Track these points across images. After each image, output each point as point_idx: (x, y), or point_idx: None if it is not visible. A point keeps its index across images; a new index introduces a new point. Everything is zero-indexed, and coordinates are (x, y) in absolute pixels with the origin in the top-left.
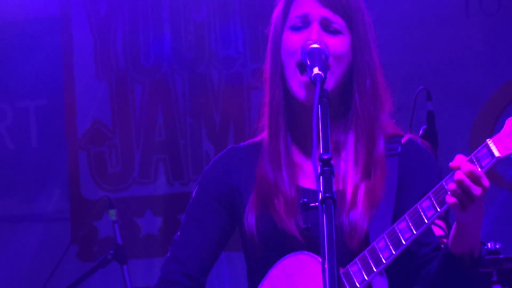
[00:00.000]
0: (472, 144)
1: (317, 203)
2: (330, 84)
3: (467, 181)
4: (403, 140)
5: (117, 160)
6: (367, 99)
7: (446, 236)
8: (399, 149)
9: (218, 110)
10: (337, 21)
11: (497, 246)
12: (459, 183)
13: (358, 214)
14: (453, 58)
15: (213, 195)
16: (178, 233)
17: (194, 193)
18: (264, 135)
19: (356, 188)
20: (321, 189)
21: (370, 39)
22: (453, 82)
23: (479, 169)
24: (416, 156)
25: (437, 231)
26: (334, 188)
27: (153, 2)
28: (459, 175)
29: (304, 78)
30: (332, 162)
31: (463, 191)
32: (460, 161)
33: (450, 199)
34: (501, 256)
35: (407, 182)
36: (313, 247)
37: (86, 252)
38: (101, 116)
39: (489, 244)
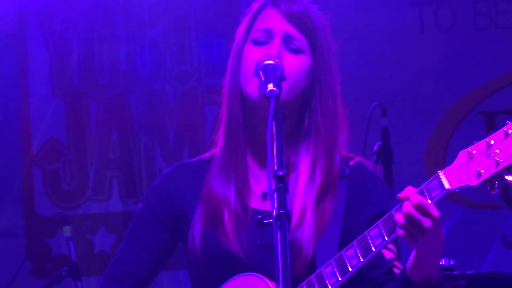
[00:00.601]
0: (427, 160)
1: (271, 220)
2: (287, 100)
3: (416, 214)
4: (351, 163)
5: (72, 177)
6: (329, 120)
7: (397, 259)
8: (347, 171)
9: (172, 127)
10: (300, 39)
11: (451, 263)
12: (408, 216)
13: (304, 235)
14: (408, 73)
15: (155, 212)
16: (119, 248)
17: (138, 209)
18: (215, 151)
19: (304, 210)
20: (275, 206)
21: (332, 61)
22: (408, 97)
23: (429, 201)
24: (364, 180)
25: (388, 254)
26: None
27: (108, 19)
28: (407, 207)
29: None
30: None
31: (412, 224)
32: (409, 192)
33: (400, 232)
34: (455, 273)
35: (354, 205)
36: (257, 267)
37: (40, 269)
38: (56, 133)
39: (443, 260)
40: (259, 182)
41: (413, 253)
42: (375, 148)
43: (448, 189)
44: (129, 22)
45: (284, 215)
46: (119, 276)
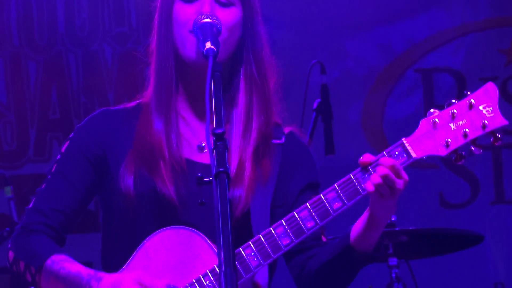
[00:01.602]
0: (365, 119)
1: (211, 178)
2: (223, 55)
3: (392, 175)
4: (286, 131)
5: (12, 137)
6: (262, 69)
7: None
8: (283, 140)
9: (111, 88)
10: None
11: (393, 219)
12: (384, 178)
13: (243, 189)
14: (344, 31)
15: (83, 153)
16: (43, 186)
17: (64, 148)
18: (143, 100)
19: (242, 163)
20: (215, 164)
21: (259, 11)
22: (345, 55)
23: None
24: (297, 149)
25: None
26: None
27: None
28: (383, 170)
29: (197, 43)
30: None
31: (387, 185)
32: (368, 158)
33: (370, 187)
34: (397, 229)
35: (288, 172)
36: (196, 225)
37: None
38: None
39: None
40: (195, 135)
41: (362, 221)
42: (315, 105)
43: (415, 158)
44: None
45: (224, 173)
46: (47, 211)
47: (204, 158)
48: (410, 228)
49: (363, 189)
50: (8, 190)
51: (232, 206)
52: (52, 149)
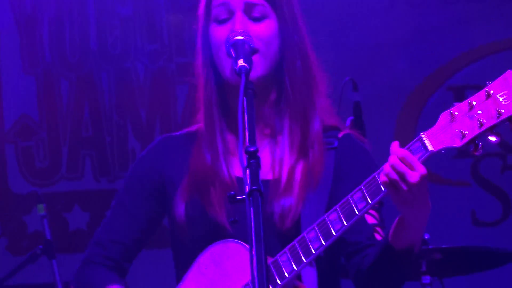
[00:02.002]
0: (398, 135)
1: (244, 196)
2: (261, 70)
3: (401, 165)
4: (340, 135)
5: (45, 154)
6: (298, 80)
7: (379, 225)
8: (336, 144)
9: (144, 106)
10: (261, 4)
11: (426, 237)
12: (394, 166)
13: (293, 197)
14: (377, 48)
15: (142, 181)
16: (106, 217)
17: (126, 179)
18: (200, 125)
19: (291, 172)
20: (248, 182)
21: (297, 18)
22: (378, 73)
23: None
24: (353, 153)
25: (370, 220)
26: (271, 176)
27: None
28: (393, 159)
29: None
30: (269, 148)
31: (398, 175)
32: (394, 147)
33: (382, 178)
34: (430, 247)
35: (342, 177)
36: (242, 237)
37: (15, 246)
38: (28, 110)
39: None
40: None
41: (397, 219)
42: (348, 123)
43: (431, 151)
44: (99, 1)
45: (257, 191)
46: (106, 243)
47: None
48: (443, 246)
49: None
50: (41, 208)
51: (283, 214)
52: (84, 166)
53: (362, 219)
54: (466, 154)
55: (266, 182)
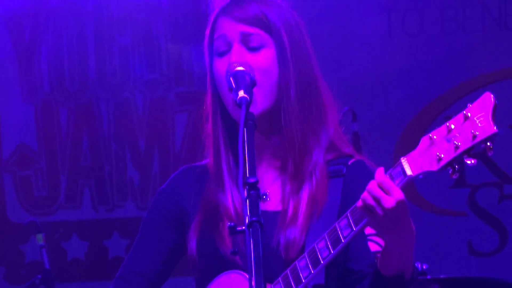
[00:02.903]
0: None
1: (244, 227)
2: (262, 104)
3: (377, 190)
4: (350, 162)
5: (43, 184)
6: (292, 112)
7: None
8: (344, 171)
9: (143, 135)
10: (257, 33)
11: (424, 267)
12: (369, 191)
13: (297, 227)
14: (376, 78)
15: (162, 213)
16: (129, 252)
17: (147, 211)
18: (209, 160)
19: (297, 203)
20: (248, 213)
21: (299, 42)
22: (376, 102)
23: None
24: (361, 179)
25: (373, 247)
26: (280, 208)
27: (78, 26)
28: (371, 184)
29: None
30: (280, 180)
31: (374, 200)
32: (378, 172)
33: (359, 203)
34: (428, 277)
35: (350, 203)
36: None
37: (13, 275)
38: (27, 139)
39: (417, 264)
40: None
41: (383, 247)
42: None
43: (410, 175)
44: (98, 29)
45: (257, 222)
46: (128, 276)
47: (268, 205)
48: (441, 276)
49: None
50: (40, 238)
51: (284, 246)
52: (83, 195)
53: (364, 246)
54: (463, 183)
55: (277, 213)
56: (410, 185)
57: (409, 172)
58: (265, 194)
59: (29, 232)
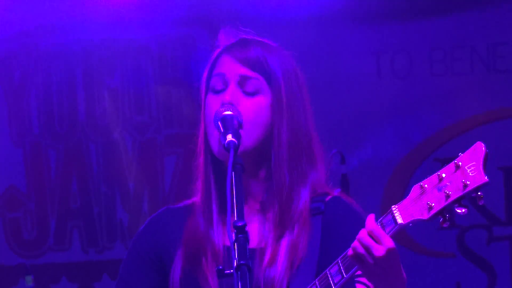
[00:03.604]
0: (384, 207)
1: (232, 270)
2: (246, 142)
3: (368, 239)
4: (327, 198)
5: (32, 226)
6: (283, 161)
7: None
8: (323, 208)
9: (132, 177)
10: (256, 78)
11: None
12: (360, 240)
13: (277, 273)
14: (365, 120)
15: (142, 255)
16: None
17: (126, 253)
18: (196, 198)
19: (276, 246)
20: (236, 256)
21: (296, 91)
22: (365, 144)
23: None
24: (339, 214)
25: None
26: (255, 245)
27: (67, 68)
28: (362, 232)
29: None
30: (258, 221)
31: (364, 248)
32: (369, 219)
33: (349, 252)
34: None
35: (330, 241)
36: None
37: None
38: (16, 181)
39: None
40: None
41: None
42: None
43: (400, 224)
44: (87, 71)
45: (245, 266)
46: None
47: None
48: None
49: None
50: (29, 280)
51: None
52: (72, 238)
53: None
54: (452, 225)
55: (253, 250)
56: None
57: (400, 220)
58: None
59: (18, 274)
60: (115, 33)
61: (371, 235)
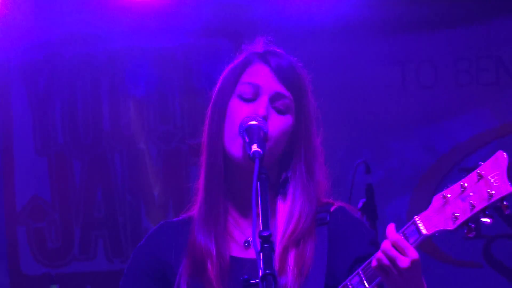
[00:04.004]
0: (410, 217)
1: (257, 280)
2: (268, 160)
3: (392, 250)
4: (332, 209)
5: (57, 235)
6: (310, 178)
7: None
8: (328, 218)
9: (157, 186)
10: (289, 98)
11: None
12: (384, 251)
13: (288, 280)
14: (390, 130)
15: (143, 270)
16: None
17: (126, 268)
18: (196, 208)
19: (284, 255)
20: (261, 266)
21: (315, 119)
22: (391, 154)
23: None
24: (345, 225)
25: None
26: None
27: (92, 78)
28: (385, 244)
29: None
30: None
31: (389, 260)
32: (390, 229)
33: (373, 263)
34: None
35: (337, 251)
36: None
37: None
38: (40, 191)
39: None
40: (242, 231)
41: None
42: (360, 204)
43: (425, 234)
44: (113, 82)
45: (270, 275)
46: None
47: (251, 253)
48: None
49: None
50: None
51: None
52: (97, 247)
53: None
54: (478, 235)
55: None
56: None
57: (424, 231)
58: (248, 242)
59: (43, 284)
60: (140, 43)
61: (395, 246)
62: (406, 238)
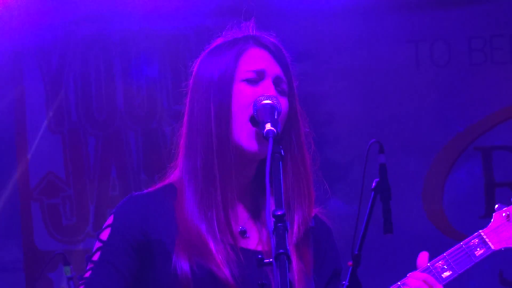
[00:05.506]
0: (425, 196)
1: (271, 259)
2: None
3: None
4: (313, 214)
5: (71, 212)
6: (302, 163)
7: None
8: (313, 223)
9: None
10: (286, 82)
11: None
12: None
13: (294, 276)
14: (404, 109)
15: (127, 240)
16: (88, 275)
17: (106, 236)
18: (173, 179)
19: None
20: (275, 245)
21: (299, 105)
22: (405, 133)
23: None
24: (325, 233)
25: None
26: (260, 248)
27: (105, 56)
28: (416, 279)
29: (257, 130)
30: (257, 219)
31: None
32: (422, 258)
33: None
34: None
35: (319, 258)
36: None
37: None
38: (54, 168)
39: None
40: (236, 220)
41: None
42: (373, 184)
43: (494, 249)
44: (125, 61)
45: (284, 255)
46: None
47: (249, 243)
48: None
49: None
50: (67, 270)
51: None
52: None
53: None
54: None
55: (258, 253)
56: (440, 214)
57: (492, 246)
58: (245, 232)
59: (57, 260)
60: (153, 23)
61: (426, 282)
62: (470, 250)
